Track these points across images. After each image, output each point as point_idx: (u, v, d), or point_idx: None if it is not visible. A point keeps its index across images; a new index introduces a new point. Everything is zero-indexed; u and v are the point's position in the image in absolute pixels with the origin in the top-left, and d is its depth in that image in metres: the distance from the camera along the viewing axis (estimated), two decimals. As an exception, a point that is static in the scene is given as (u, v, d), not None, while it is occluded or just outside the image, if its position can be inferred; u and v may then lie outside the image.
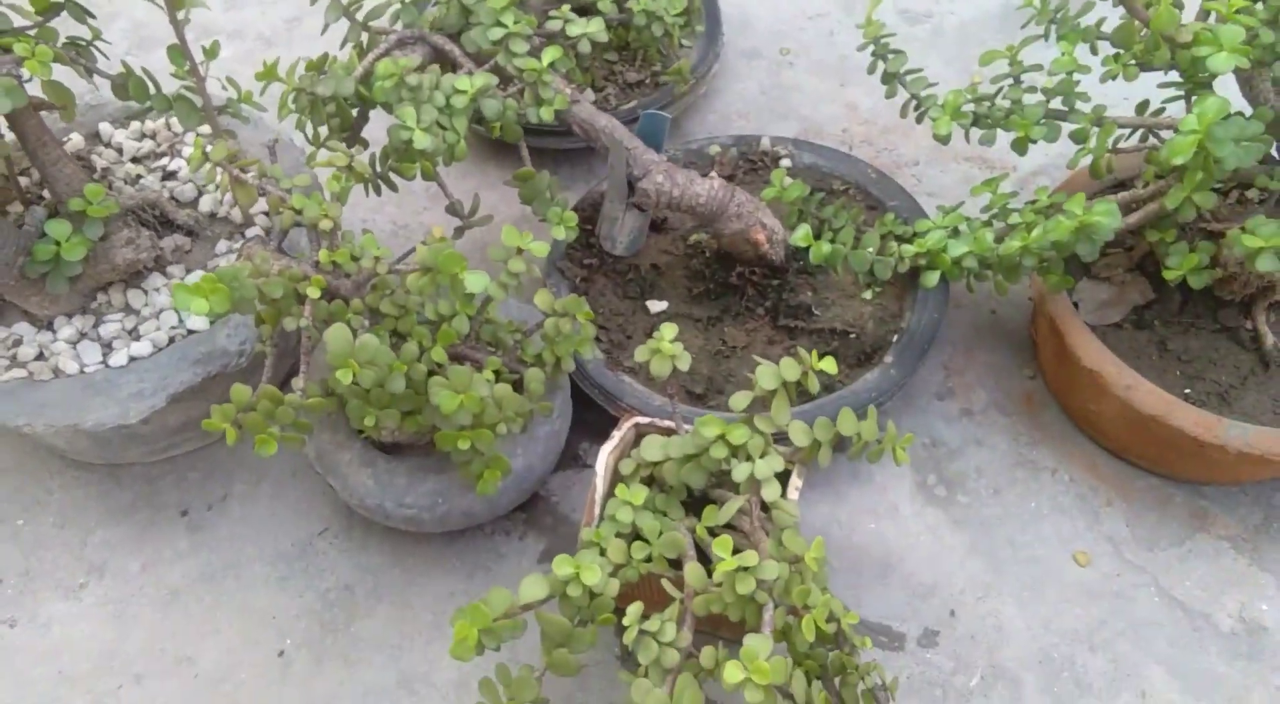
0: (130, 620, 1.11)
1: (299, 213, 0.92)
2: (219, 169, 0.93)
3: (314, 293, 0.92)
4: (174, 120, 1.30)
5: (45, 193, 1.20)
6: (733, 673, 0.77)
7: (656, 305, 1.24)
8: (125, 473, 1.23)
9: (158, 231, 1.18)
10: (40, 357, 1.10)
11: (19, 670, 1.08)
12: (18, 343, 1.11)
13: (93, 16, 1.04)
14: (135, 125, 1.31)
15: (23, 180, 1.17)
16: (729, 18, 1.70)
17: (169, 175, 1.26)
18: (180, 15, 1.00)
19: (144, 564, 1.15)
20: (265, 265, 0.91)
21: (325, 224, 0.91)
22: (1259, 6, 0.95)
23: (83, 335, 1.11)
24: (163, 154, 1.29)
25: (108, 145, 1.29)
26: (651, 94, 1.49)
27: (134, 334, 1.11)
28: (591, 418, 1.19)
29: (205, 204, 1.22)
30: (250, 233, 1.19)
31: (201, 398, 1.12)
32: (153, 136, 1.30)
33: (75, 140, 1.27)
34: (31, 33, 0.98)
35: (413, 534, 1.16)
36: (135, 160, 1.28)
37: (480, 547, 1.15)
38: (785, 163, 1.38)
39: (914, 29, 1.72)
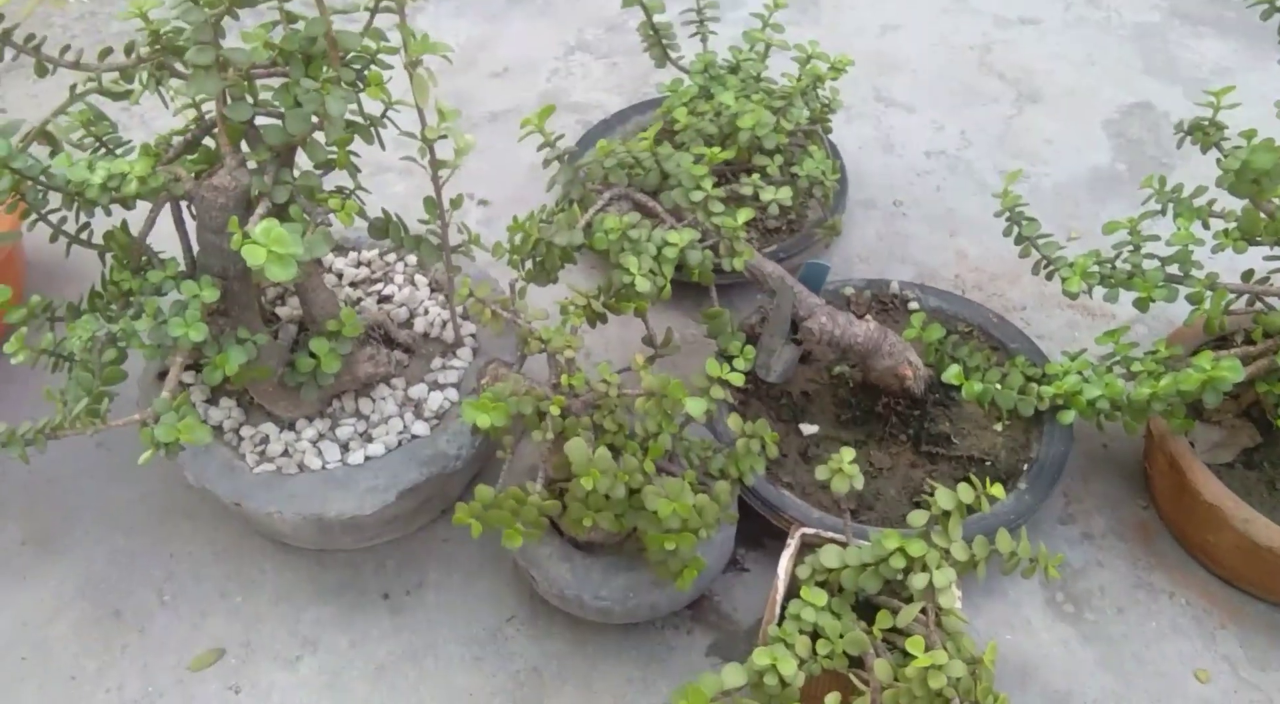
0: (343, 691, 1.25)
1: (545, 343, 1.10)
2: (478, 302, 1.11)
3: (555, 410, 1.09)
4: (389, 254, 1.50)
5: (277, 311, 1.40)
6: (935, 756, 0.90)
7: (808, 428, 1.40)
8: (331, 558, 1.38)
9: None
10: (285, 453, 1.27)
11: (244, 733, 1.22)
12: (265, 440, 1.28)
13: (359, 171, 1.24)
14: (353, 254, 1.51)
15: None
16: (847, 171, 1.90)
17: (384, 299, 1.45)
18: (442, 174, 1.20)
19: (352, 641, 1.30)
20: (518, 387, 1.08)
21: (569, 353, 1.09)
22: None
23: (322, 436, 1.28)
24: (377, 279, 1.48)
25: (329, 270, 1.49)
26: (789, 239, 1.68)
27: (366, 436, 1.28)
28: (746, 527, 1.33)
29: (419, 325, 1.40)
30: (460, 352, 1.37)
31: (416, 495, 1.28)
32: (368, 264, 1.50)
33: (304, 265, 1.46)
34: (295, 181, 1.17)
35: (591, 625, 1.29)
36: (353, 285, 1.47)
37: (653, 639, 1.29)
38: (913, 305, 1.56)
39: (1014, 188, 1.91)
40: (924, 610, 1.06)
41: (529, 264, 1.27)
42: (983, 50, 2.24)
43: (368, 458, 1.25)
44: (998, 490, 1.05)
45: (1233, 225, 1.21)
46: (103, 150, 1.19)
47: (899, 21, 2.32)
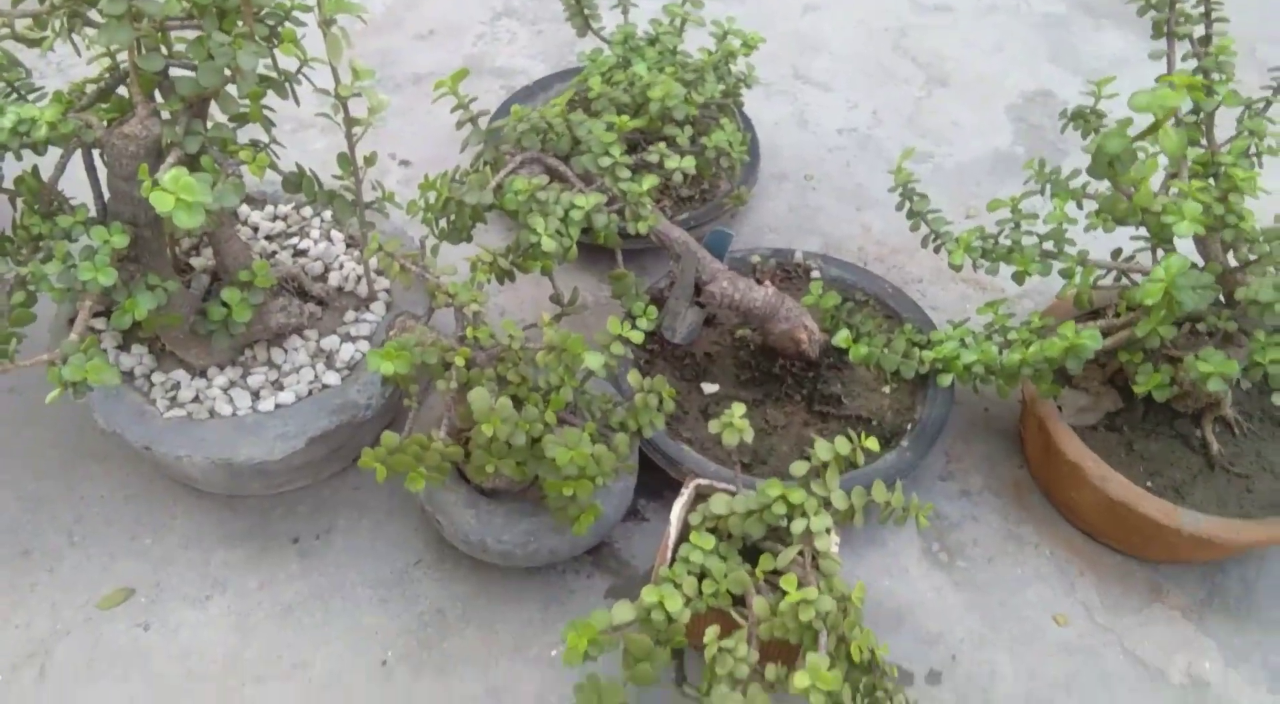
0: (250, 630, 1.29)
1: (452, 297, 1.14)
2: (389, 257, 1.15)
3: (460, 361, 1.13)
4: (305, 209, 1.53)
5: (191, 261, 1.42)
6: (801, 679, 0.97)
7: (709, 387, 1.47)
8: (241, 504, 1.41)
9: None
10: (196, 400, 1.29)
11: (153, 668, 1.25)
12: (176, 387, 1.30)
13: (274, 126, 1.27)
14: (269, 208, 1.53)
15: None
16: (761, 145, 1.97)
17: (299, 253, 1.47)
18: (356, 131, 1.23)
19: (261, 582, 1.33)
20: (424, 338, 1.13)
21: (474, 307, 1.14)
22: (1211, 184, 1.23)
23: (233, 383, 1.31)
24: (293, 234, 1.51)
25: (244, 223, 1.51)
26: (700, 208, 1.75)
27: (278, 385, 1.32)
28: (648, 479, 1.40)
29: (333, 279, 1.44)
30: (374, 306, 1.41)
31: (326, 443, 1.32)
32: (284, 219, 1.52)
33: (221, 217, 1.48)
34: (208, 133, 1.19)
35: (495, 568, 1.35)
36: (269, 238, 1.49)
37: (554, 583, 1.35)
38: (815, 274, 1.63)
39: (919, 167, 2.00)
40: (801, 553, 1.14)
41: (443, 223, 1.31)
42: (898, 34, 2.32)
43: (278, 405, 1.28)
44: (873, 443, 1.13)
45: (1102, 206, 1.31)
46: (14, 96, 1.20)
47: (820, 3, 2.39)
